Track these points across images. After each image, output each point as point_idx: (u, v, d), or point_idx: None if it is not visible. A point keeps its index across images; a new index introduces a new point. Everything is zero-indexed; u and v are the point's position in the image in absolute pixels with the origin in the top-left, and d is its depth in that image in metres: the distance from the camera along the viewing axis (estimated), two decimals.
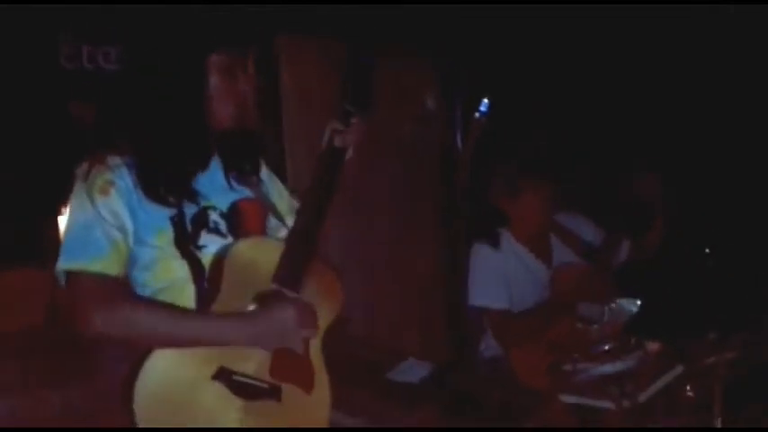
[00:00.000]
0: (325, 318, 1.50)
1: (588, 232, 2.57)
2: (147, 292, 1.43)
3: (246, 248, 1.43)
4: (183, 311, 1.39)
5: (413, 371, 2.13)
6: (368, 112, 1.51)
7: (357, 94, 1.50)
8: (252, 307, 1.42)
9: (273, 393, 1.41)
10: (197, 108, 1.40)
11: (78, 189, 1.37)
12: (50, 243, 1.43)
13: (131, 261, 1.41)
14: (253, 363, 1.40)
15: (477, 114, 3.37)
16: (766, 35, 2.65)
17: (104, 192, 1.35)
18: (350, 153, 1.54)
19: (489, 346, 2.53)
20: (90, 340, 1.37)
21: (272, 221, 1.58)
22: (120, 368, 1.40)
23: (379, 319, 3.18)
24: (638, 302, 2.37)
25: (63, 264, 1.36)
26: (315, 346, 1.49)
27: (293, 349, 1.43)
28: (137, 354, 1.36)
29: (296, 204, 1.66)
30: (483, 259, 2.52)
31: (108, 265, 1.35)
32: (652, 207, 2.47)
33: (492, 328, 2.49)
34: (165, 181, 1.39)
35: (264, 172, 1.64)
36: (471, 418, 1.92)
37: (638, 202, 2.46)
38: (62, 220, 2.00)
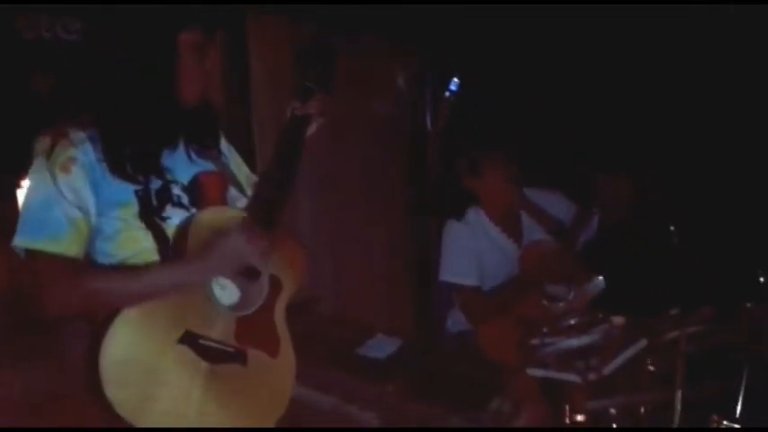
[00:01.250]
0: (289, 286, 1.53)
1: (562, 209, 2.59)
2: (112, 262, 1.42)
3: (210, 216, 1.45)
4: (138, 270, 1.40)
5: (381, 347, 2.15)
6: (329, 90, 1.52)
7: (317, 72, 1.51)
8: None
9: (239, 357, 1.43)
10: (168, 86, 1.39)
11: (39, 165, 1.36)
12: (8, 220, 1.40)
13: (96, 232, 1.40)
14: (218, 328, 1.42)
15: (446, 94, 3.37)
16: (766, 35, 2.68)
17: (66, 169, 1.34)
18: (313, 127, 1.54)
19: (456, 321, 2.56)
20: (52, 319, 1.36)
21: (233, 192, 1.60)
22: (82, 344, 1.39)
23: (349, 297, 3.19)
24: (602, 279, 2.41)
25: (21, 241, 1.36)
26: (279, 312, 1.51)
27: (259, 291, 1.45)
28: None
29: (254, 178, 1.67)
30: (454, 236, 2.54)
31: (67, 246, 1.35)
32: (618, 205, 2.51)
33: (461, 304, 2.52)
34: (133, 158, 1.38)
35: (224, 144, 1.64)
36: (439, 394, 1.95)
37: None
38: (20, 194, 1.95)
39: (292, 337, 1.55)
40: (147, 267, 1.41)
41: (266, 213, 1.44)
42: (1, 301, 2.23)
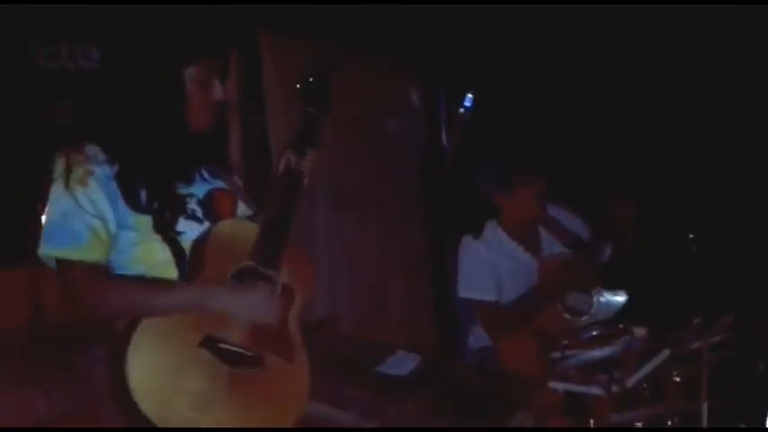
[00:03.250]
0: (301, 295, 1.55)
1: (577, 224, 2.58)
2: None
3: (229, 228, 1.50)
4: (160, 285, 1.44)
5: (402, 363, 2.13)
6: (327, 112, 1.55)
7: (317, 96, 1.54)
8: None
9: (257, 361, 1.45)
10: (174, 116, 1.44)
11: (58, 183, 1.42)
12: (30, 243, 1.45)
13: (113, 245, 1.44)
14: (235, 333, 1.44)
15: (461, 110, 3.38)
16: (766, 35, 2.67)
17: (83, 182, 1.40)
18: (305, 181, 1.55)
19: (478, 337, 2.54)
20: (71, 339, 1.39)
21: (242, 209, 1.63)
22: (101, 367, 1.41)
23: (367, 314, 3.18)
24: (625, 294, 2.39)
25: (45, 249, 1.41)
26: (293, 320, 1.53)
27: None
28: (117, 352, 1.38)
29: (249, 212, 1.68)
30: (471, 252, 2.53)
31: (87, 252, 1.39)
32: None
33: (480, 320, 2.51)
34: (146, 188, 1.43)
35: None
36: (461, 410, 1.93)
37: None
38: (42, 218, 1.99)
39: (312, 356, 1.56)
40: (166, 285, 1.44)
41: (270, 257, 1.47)
42: (24, 324, 2.26)
